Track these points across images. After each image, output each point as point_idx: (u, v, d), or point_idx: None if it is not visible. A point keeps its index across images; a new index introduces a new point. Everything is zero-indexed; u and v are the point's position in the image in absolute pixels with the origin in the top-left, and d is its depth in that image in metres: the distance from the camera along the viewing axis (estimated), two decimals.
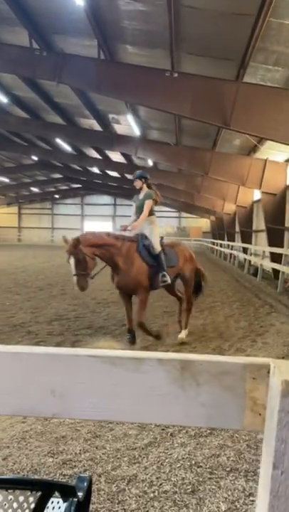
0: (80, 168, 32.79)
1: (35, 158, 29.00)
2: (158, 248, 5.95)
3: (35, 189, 44.58)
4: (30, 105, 17.47)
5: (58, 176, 38.88)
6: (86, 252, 5.39)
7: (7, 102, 16.28)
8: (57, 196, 50.06)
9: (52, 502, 0.83)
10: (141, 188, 6.23)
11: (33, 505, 0.79)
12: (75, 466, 2.83)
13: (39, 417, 1.31)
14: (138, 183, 6.23)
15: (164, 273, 5.91)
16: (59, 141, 22.03)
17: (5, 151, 26.73)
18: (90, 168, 31.95)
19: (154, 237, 6.01)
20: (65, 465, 2.84)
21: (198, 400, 0.86)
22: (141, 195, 6.23)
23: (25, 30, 10.19)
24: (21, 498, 0.81)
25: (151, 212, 6.17)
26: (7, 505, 0.81)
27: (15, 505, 0.81)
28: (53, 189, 47.56)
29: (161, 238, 6.27)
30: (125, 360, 0.87)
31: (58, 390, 0.89)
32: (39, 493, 0.80)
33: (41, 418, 3.37)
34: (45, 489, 0.79)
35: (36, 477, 2.61)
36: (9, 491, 0.81)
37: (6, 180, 38.11)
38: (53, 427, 3.42)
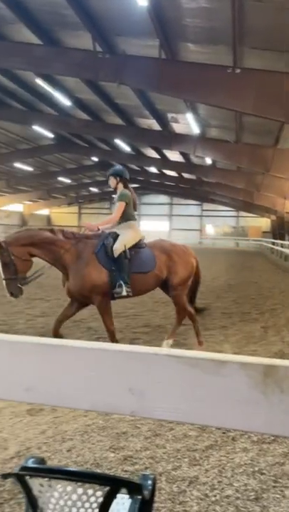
0: (138, 168, 33.15)
1: (95, 159, 29.76)
2: (118, 250, 4.88)
3: (94, 189, 45.81)
4: (92, 107, 17.92)
5: None
6: (16, 254, 4.69)
7: (70, 105, 16.81)
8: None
9: (116, 497, 0.83)
10: (116, 188, 5.39)
11: (100, 500, 0.80)
12: (136, 463, 2.86)
13: (118, 413, 1.32)
14: (112, 182, 5.38)
15: (120, 283, 4.87)
16: (118, 141, 22.40)
17: (67, 153, 27.69)
18: (147, 168, 32.20)
19: (120, 240, 4.97)
20: (127, 461, 2.87)
21: (282, 407, 0.82)
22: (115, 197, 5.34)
23: (89, 33, 10.43)
24: (90, 492, 0.83)
25: (128, 217, 5.25)
26: (76, 497, 0.83)
27: (84, 497, 0.83)
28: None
29: (140, 239, 5.26)
30: (205, 361, 0.85)
31: (136, 388, 0.89)
32: (107, 488, 0.80)
33: (102, 413, 3.44)
34: (114, 485, 0.80)
35: (99, 471, 2.66)
36: (78, 483, 0.83)
37: (68, 181, 39.51)
38: (114, 422, 3.47)
